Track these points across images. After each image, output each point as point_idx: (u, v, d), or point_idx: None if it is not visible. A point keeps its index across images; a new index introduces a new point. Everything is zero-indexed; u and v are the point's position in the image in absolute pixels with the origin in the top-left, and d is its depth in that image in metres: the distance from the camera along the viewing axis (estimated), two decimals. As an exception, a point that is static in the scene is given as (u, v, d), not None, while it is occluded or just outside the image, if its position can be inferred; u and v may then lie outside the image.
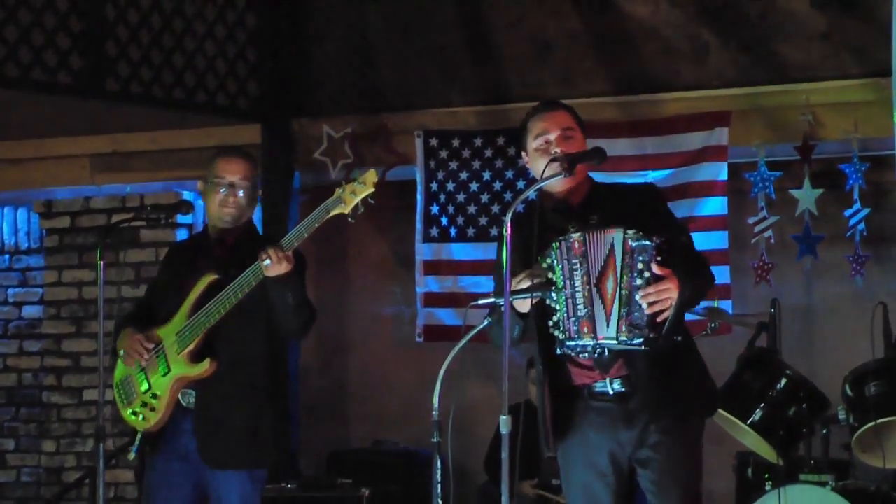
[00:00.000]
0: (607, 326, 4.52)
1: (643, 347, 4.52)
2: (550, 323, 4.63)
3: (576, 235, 4.57)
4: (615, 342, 4.53)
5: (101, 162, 8.81)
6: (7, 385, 9.14)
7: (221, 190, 5.37)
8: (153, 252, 8.58)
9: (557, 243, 4.60)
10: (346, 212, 5.09)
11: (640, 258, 4.48)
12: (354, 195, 5.09)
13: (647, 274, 4.48)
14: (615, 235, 4.52)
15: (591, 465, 4.73)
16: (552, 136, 4.74)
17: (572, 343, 4.59)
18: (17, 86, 7.32)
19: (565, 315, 4.58)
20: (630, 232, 4.49)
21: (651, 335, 4.49)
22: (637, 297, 4.48)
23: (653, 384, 4.59)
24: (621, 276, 4.50)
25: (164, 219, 5.81)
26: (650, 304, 4.48)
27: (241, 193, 5.37)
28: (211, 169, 5.43)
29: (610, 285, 4.52)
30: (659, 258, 4.47)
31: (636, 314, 4.49)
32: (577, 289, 4.56)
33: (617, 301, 4.50)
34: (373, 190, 5.08)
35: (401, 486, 7.70)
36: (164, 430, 5.34)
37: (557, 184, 4.69)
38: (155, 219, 5.97)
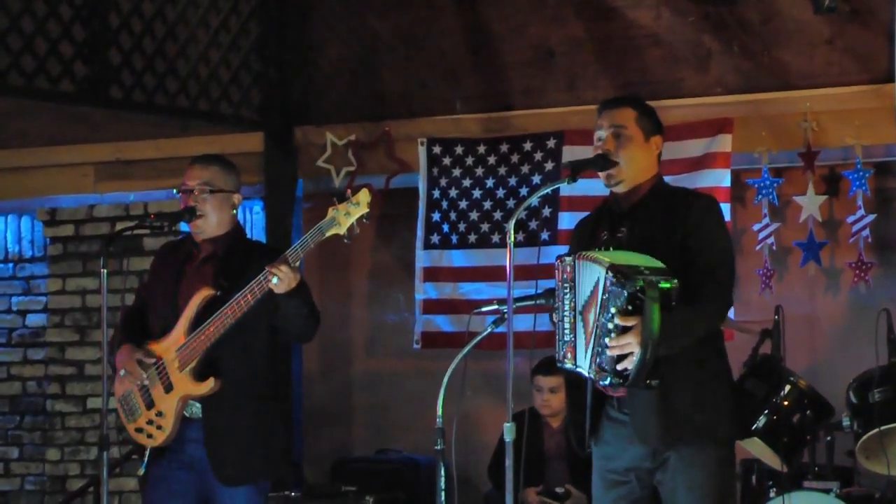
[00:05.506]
0: (584, 357, 4.50)
1: (613, 387, 4.48)
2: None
3: (568, 260, 4.58)
4: (588, 376, 4.52)
5: (104, 170, 8.81)
6: (11, 393, 9.13)
7: (183, 197, 5.33)
8: (156, 260, 8.58)
9: (557, 262, 4.62)
10: (342, 233, 5.01)
11: (614, 303, 4.35)
12: (349, 216, 5.00)
13: (615, 322, 4.35)
14: (600, 272, 4.43)
15: (610, 471, 4.70)
16: (602, 134, 4.75)
17: (561, 365, 4.61)
18: (21, 94, 7.32)
19: (558, 336, 4.61)
20: (611, 274, 4.36)
21: (617, 380, 4.41)
22: (605, 340, 4.39)
23: (650, 409, 4.51)
24: (599, 314, 4.41)
25: (167, 227, 5.79)
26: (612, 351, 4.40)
27: (205, 198, 5.30)
28: None
29: (591, 318, 4.46)
30: (629, 307, 4.33)
31: (604, 356, 4.41)
32: (565, 313, 4.56)
33: (593, 338, 4.44)
34: (367, 210, 5.00)
35: (405, 494, 7.69)
36: (169, 439, 5.33)
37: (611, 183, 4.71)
38: (158, 227, 5.95)
